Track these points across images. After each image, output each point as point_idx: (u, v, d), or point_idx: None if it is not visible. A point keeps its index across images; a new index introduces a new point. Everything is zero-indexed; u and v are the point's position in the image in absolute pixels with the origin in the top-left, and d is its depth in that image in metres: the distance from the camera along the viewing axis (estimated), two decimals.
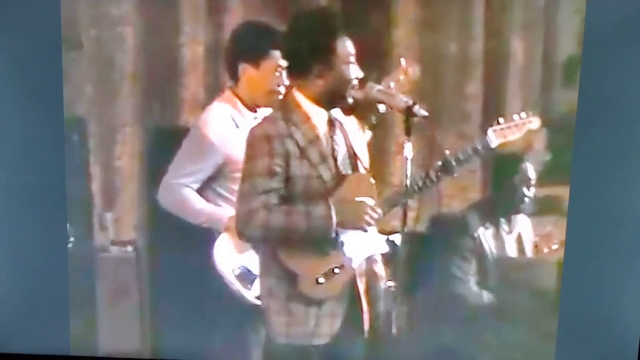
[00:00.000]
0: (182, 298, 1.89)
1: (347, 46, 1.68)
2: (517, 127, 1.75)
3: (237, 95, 1.81)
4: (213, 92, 1.82)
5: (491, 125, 1.76)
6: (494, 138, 1.75)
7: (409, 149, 1.66)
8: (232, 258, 1.83)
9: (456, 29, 1.77)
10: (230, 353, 1.92)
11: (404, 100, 1.69)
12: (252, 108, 1.81)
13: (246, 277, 1.83)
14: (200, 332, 1.91)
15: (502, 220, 1.86)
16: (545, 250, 1.86)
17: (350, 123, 1.78)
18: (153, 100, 1.83)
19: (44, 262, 1.90)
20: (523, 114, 1.75)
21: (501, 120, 1.76)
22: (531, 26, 1.75)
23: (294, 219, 1.69)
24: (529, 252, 1.87)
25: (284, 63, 1.76)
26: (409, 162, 1.66)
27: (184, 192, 1.82)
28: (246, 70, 1.80)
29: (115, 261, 1.89)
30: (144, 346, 1.94)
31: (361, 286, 1.76)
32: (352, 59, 1.69)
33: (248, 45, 1.78)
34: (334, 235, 1.70)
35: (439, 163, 1.73)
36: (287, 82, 1.76)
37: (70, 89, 1.82)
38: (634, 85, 1.76)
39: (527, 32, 1.76)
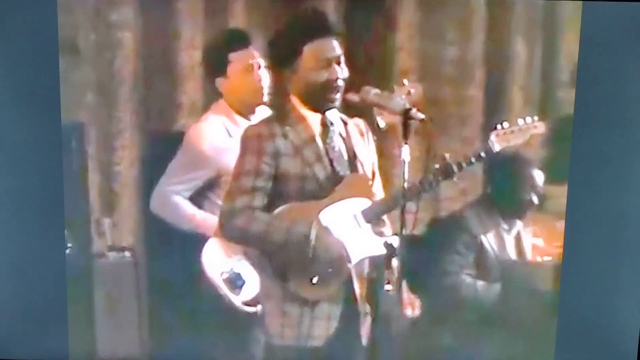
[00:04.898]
0: (180, 303, 1.88)
1: (324, 48, 1.68)
2: (521, 132, 1.72)
3: (230, 105, 1.81)
4: (212, 97, 1.82)
5: (494, 129, 1.74)
6: (497, 143, 1.73)
7: (406, 152, 1.65)
8: (220, 262, 1.83)
9: (455, 32, 1.77)
10: (228, 358, 1.91)
11: (401, 103, 1.68)
12: (248, 113, 1.81)
13: (234, 282, 1.82)
14: (198, 338, 1.90)
15: (502, 221, 1.85)
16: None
17: (354, 125, 1.77)
18: (152, 106, 1.83)
19: (42, 268, 1.90)
20: (528, 119, 1.73)
21: (505, 124, 1.74)
22: (529, 29, 1.75)
23: (273, 232, 1.69)
24: (528, 252, 1.85)
25: (257, 59, 1.76)
26: (406, 165, 1.66)
27: (174, 199, 1.82)
28: (222, 83, 1.80)
29: (113, 267, 1.88)
30: (142, 352, 1.93)
31: (358, 288, 1.75)
32: (335, 60, 1.68)
33: (210, 60, 1.79)
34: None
35: (438, 167, 1.71)
36: (266, 77, 1.76)
37: (68, 95, 1.81)
38: (631, 86, 1.75)
39: (525, 35, 1.75)
